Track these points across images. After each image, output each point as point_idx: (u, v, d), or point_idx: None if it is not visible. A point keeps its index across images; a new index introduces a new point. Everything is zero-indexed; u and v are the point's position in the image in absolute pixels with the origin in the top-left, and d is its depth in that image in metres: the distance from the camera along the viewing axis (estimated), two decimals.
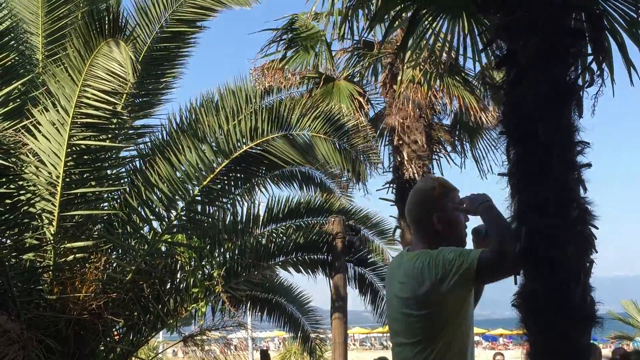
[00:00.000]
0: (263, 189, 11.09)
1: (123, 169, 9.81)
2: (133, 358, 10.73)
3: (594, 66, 4.53)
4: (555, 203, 3.90)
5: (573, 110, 4.17)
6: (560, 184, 3.95)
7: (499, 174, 4.29)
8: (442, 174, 13.17)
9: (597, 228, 4.02)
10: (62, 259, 8.52)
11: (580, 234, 3.92)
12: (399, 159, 12.29)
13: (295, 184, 11.92)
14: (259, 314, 13.43)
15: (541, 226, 3.82)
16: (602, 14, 4.87)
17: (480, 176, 13.55)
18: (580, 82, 4.39)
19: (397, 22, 6.29)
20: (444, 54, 7.60)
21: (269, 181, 11.21)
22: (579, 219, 3.95)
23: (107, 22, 7.88)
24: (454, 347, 3.48)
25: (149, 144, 10.31)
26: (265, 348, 12.62)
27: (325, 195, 12.78)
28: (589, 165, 4.12)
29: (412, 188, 3.85)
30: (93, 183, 8.75)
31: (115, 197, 9.62)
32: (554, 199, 3.90)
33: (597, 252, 3.95)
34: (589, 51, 4.55)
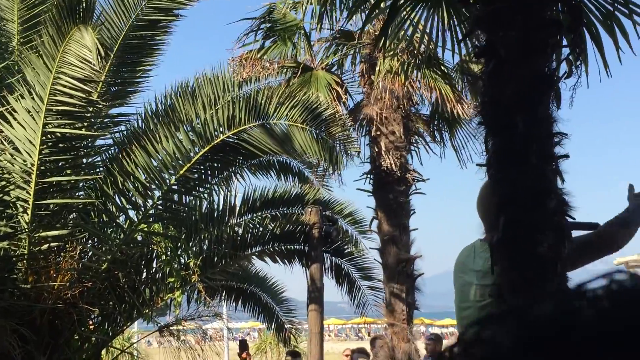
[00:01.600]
0: (240, 178, 11.03)
1: (99, 158, 9.73)
2: (108, 348, 10.68)
3: (571, 58, 4.56)
4: (533, 193, 3.92)
5: (551, 101, 4.19)
6: (538, 175, 3.97)
7: (477, 165, 4.30)
8: (420, 164, 13.21)
9: (574, 219, 4.04)
10: (37, 248, 8.45)
11: (557, 225, 3.94)
12: (376, 150, 12.29)
13: (272, 173, 11.86)
14: (234, 303, 13.39)
15: (519, 216, 3.84)
16: (580, 5, 4.89)
17: (460, 165, 13.59)
18: (558, 73, 4.42)
19: (375, 12, 6.28)
20: (422, 45, 7.61)
21: (247, 170, 11.15)
22: (556, 210, 3.97)
23: (78, 7, 7.79)
24: None
25: (125, 132, 10.22)
26: (243, 339, 12.59)
27: (303, 185, 12.76)
28: (566, 156, 4.14)
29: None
30: (68, 171, 8.67)
31: (91, 185, 9.55)
32: (532, 189, 3.92)
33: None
34: (565, 43, 4.57)
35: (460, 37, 5.94)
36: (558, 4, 4.61)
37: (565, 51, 4.62)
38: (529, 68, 4.12)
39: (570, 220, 3.93)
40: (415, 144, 13.22)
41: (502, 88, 4.12)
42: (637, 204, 3.93)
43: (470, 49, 6.17)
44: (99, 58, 7.98)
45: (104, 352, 10.67)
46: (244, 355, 12.62)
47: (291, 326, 13.96)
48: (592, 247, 3.87)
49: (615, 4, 4.93)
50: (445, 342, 13.41)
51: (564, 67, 4.68)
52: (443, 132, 13.49)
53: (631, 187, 4.07)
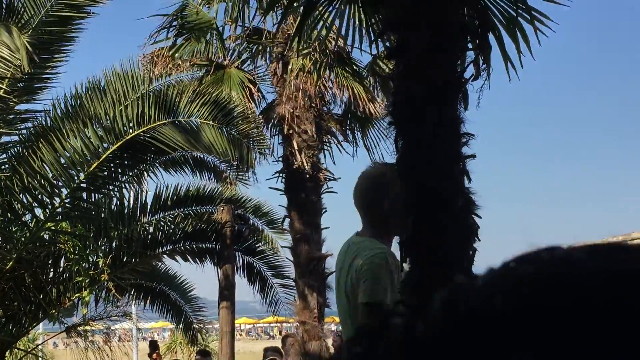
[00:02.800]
0: (152, 175, 10.90)
1: (4, 155, 9.49)
2: (12, 349, 10.42)
3: (480, 60, 4.67)
4: (441, 192, 4.00)
5: (459, 102, 4.29)
6: (446, 174, 4.05)
7: (374, 163, 4.36)
8: (333, 164, 13.28)
9: (480, 217, 4.15)
10: None
11: (464, 223, 4.03)
12: (289, 149, 12.31)
13: (187, 169, 11.71)
14: (143, 302, 13.23)
15: (427, 215, 3.91)
16: (486, 9, 5.02)
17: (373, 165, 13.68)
18: (465, 75, 4.52)
19: (290, 10, 6.31)
20: (334, 44, 7.69)
21: (159, 167, 11.02)
22: (463, 208, 4.06)
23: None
24: None
25: (32, 129, 9.98)
26: (154, 339, 12.42)
27: (219, 181, 12.67)
28: (473, 156, 4.24)
29: (363, 174, 3.86)
30: None
31: None
32: (440, 188, 4.00)
33: (480, 240, 4.07)
34: (470, 46, 4.68)
35: (372, 37, 6.01)
36: (464, 8, 4.72)
37: (472, 54, 4.72)
38: (437, 70, 4.20)
39: None
40: (327, 143, 13.30)
41: (411, 89, 4.19)
42: None
43: (382, 49, 6.26)
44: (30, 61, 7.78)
45: (7, 353, 10.41)
46: (154, 355, 12.48)
47: (200, 325, 13.88)
48: None
49: (518, 10, 5.08)
50: None
51: (471, 69, 4.79)
52: (355, 131, 13.60)
53: None
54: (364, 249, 3.52)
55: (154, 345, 13.49)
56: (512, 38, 5.13)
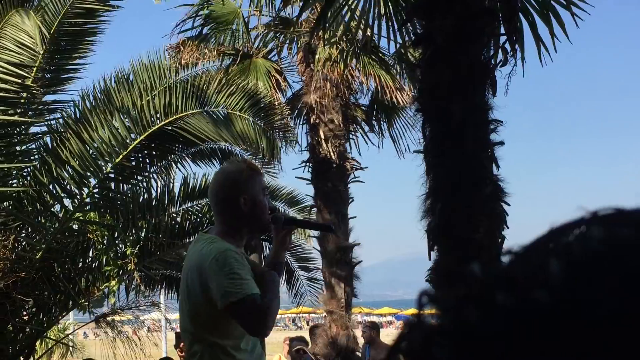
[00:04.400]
0: (181, 167, 10.93)
1: (33, 145, 9.55)
2: (43, 338, 10.51)
3: (507, 46, 4.62)
4: (469, 180, 3.97)
5: (487, 89, 4.25)
6: (474, 161, 4.02)
7: (414, 151, 4.34)
8: (359, 154, 13.26)
9: (509, 205, 4.11)
10: None
11: (492, 210, 4.00)
12: (315, 138, 12.30)
13: (215, 161, 11.75)
14: (175, 294, 13.27)
15: (455, 202, 3.88)
16: None
17: (398, 155, 13.67)
18: (494, 61, 4.47)
19: None
20: (360, 32, 7.63)
21: (187, 158, 11.05)
22: (492, 196, 4.03)
23: None
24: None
25: (60, 120, 10.04)
26: (179, 331, 12.43)
27: None
28: (501, 143, 4.20)
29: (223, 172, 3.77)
30: (1, 159, 8.50)
31: (25, 173, 9.37)
32: (468, 175, 3.97)
33: (508, 228, 4.04)
34: (503, 31, 4.63)
35: (397, 25, 5.98)
36: None
37: (502, 40, 4.67)
38: (465, 56, 4.17)
39: (301, 219, 3.84)
40: (354, 133, 13.28)
41: (438, 76, 4.16)
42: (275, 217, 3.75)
43: (407, 38, 6.21)
44: (44, 43, 7.83)
45: (38, 342, 10.51)
46: (180, 347, 12.46)
47: None
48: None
49: None
50: (383, 331, 13.52)
51: (500, 55, 4.73)
52: (381, 121, 13.57)
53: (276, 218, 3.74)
54: (209, 249, 3.42)
55: (179, 337, 13.48)
56: (545, 22, 5.05)
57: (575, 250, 0.42)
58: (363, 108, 13.45)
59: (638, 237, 0.42)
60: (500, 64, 4.46)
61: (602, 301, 0.39)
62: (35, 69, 8.76)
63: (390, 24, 6.12)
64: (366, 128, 13.49)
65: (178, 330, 11.92)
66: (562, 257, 0.42)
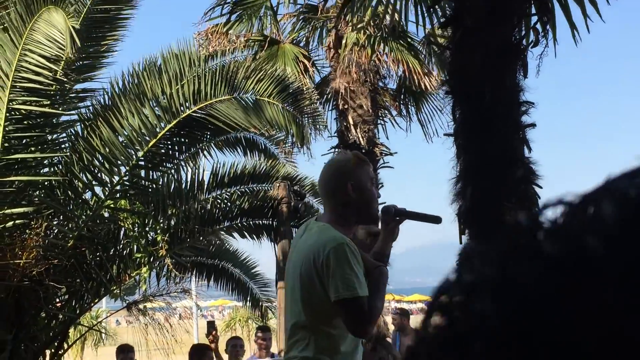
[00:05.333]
0: (207, 155, 10.98)
1: (64, 134, 9.62)
2: (76, 325, 10.61)
3: (539, 27, 4.56)
4: (500, 162, 3.93)
5: (518, 70, 4.20)
6: (505, 144, 3.98)
7: (445, 134, 4.30)
8: (387, 138, 13.21)
9: (540, 187, 4.06)
10: (2, 225, 8.35)
11: (524, 193, 3.96)
12: (344, 124, 12.27)
13: (239, 150, 11.82)
14: (206, 280, 13.33)
15: (486, 185, 3.84)
16: None
17: (426, 140, 13.61)
18: (525, 42, 4.42)
19: None
20: (387, 17, 7.59)
21: (214, 147, 11.10)
22: (523, 178, 3.98)
23: None
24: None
25: (90, 108, 10.11)
26: (211, 320, 12.45)
27: (269, 161, 12.71)
28: (533, 125, 4.15)
29: (327, 163, 3.79)
30: (33, 149, 8.57)
31: (56, 162, 9.44)
32: (499, 158, 3.93)
33: None
34: (534, 11, 4.56)
35: (425, 8, 5.92)
36: None
37: (533, 20, 4.61)
38: (495, 37, 4.12)
39: (411, 210, 3.80)
40: (382, 118, 13.23)
41: (469, 57, 4.11)
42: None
43: (436, 21, 6.15)
44: (73, 45, 7.91)
45: (71, 329, 10.61)
46: (212, 336, 12.50)
47: (268, 302, 13.93)
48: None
49: None
50: (413, 318, 13.51)
51: (531, 36, 4.67)
52: (410, 106, 13.51)
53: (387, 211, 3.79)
54: (323, 236, 3.43)
55: (211, 326, 13.50)
56: (577, 2, 4.96)
57: (633, 194, 0.40)
58: (391, 93, 13.39)
59: None
60: (531, 45, 4.40)
61: None
62: (64, 60, 8.81)
63: (418, 7, 6.07)
64: (394, 112, 13.44)
65: (208, 319, 11.99)
66: (617, 202, 0.39)
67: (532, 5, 4.48)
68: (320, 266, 3.35)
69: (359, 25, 8.99)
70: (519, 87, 4.12)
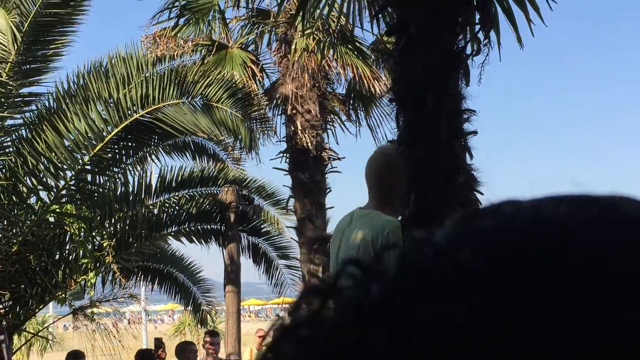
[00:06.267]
0: (155, 159, 10.93)
1: (8, 138, 9.49)
2: (20, 332, 10.46)
3: (481, 35, 4.63)
4: (443, 169, 3.98)
5: (460, 78, 4.26)
6: (447, 151, 4.03)
7: (389, 141, 4.34)
8: (337, 143, 13.26)
9: (482, 194, 4.13)
10: None
11: (466, 199, 4.02)
12: (292, 129, 12.29)
13: (188, 154, 11.80)
14: (151, 285, 13.25)
15: (429, 192, 3.89)
16: None
17: (376, 144, 13.68)
18: (468, 50, 4.49)
19: None
20: (337, 22, 7.67)
21: (162, 151, 11.05)
22: (466, 185, 4.04)
23: None
24: None
25: (35, 112, 9.98)
26: (158, 337, 12.27)
27: (218, 166, 12.69)
28: (475, 132, 4.21)
29: (372, 156, 3.86)
30: None
31: (0, 166, 9.31)
32: (442, 165, 3.98)
33: None
34: (477, 20, 4.63)
35: (370, 16, 5.98)
36: None
37: (475, 29, 4.68)
38: (438, 45, 4.17)
39: None
40: (331, 123, 13.28)
41: (412, 65, 4.16)
42: None
43: (383, 27, 6.21)
44: (14, 40, 7.80)
45: (15, 336, 10.46)
46: (159, 352, 12.33)
47: (209, 307, 13.90)
48: None
49: None
50: None
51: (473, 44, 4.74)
52: (359, 110, 13.57)
53: None
54: (378, 219, 3.52)
55: (159, 342, 13.19)
56: (521, 9, 5.04)
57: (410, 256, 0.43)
58: (340, 98, 13.45)
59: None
60: (473, 54, 4.47)
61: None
62: (9, 64, 8.69)
63: (366, 13, 6.13)
64: (343, 117, 13.51)
65: (155, 337, 11.88)
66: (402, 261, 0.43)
67: (475, 14, 4.55)
68: (379, 246, 3.40)
69: (307, 31, 9.02)
70: (461, 95, 4.18)
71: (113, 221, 10.58)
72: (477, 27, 4.64)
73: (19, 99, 9.85)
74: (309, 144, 12.08)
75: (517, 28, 5.22)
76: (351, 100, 13.50)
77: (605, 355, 0.38)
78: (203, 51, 12.55)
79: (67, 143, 9.14)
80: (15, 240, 8.90)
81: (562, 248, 0.40)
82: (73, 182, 9.23)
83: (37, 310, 10.50)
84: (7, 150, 9.22)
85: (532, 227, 0.42)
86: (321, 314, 0.42)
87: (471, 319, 0.38)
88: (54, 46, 10.05)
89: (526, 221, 0.43)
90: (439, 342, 0.39)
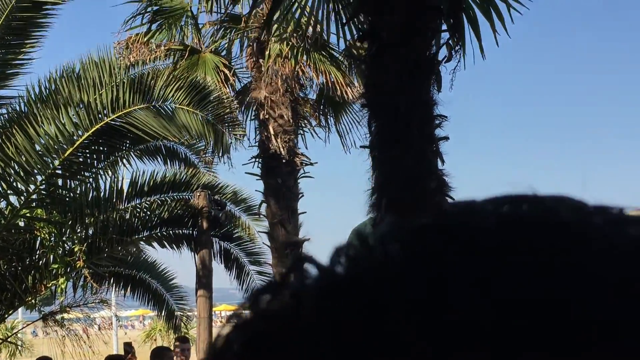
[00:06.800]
0: (127, 164, 10.87)
1: None
2: None
3: (451, 42, 4.68)
4: (414, 174, 4.02)
5: (432, 84, 4.30)
6: (419, 156, 4.07)
7: (361, 147, 4.37)
8: (306, 148, 13.28)
9: (453, 199, 4.17)
10: None
11: (438, 205, 4.05)
12: (265, 134, 12.29)
13: (159, 159, 11.76)
14: (123, 291, 13.17)
15: (401, 196, 3.93)
16: None
17: (345, 150, 13.74)
18: (440, 57, 4.53)
19: None
20: (310, 28, 7.69)
21: (133, 155, 11.00)
22: (437, 190, 4.08)
23: None
24: None
25: (6, 115, 9.91)
26: (128, 342, 12.20)
27: (190, 170, 12.65)
28: (446, 138, 4.25)
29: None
30: None
31: None
32: (413, 170, 4.02)
33: None
34: (445, 27, 4.68)
35: (341, 23, 6.01)
36: None
37: (445, 36, 4.73)
38: (410, 52, 4.21)
39: None
40: (303, 128, 13.29)
41: (384, 71, 4.19)
42: None
43: (355, 34, 6.25)
44: None
45: None
46: (129, 357, 12.24)
47: (182, 313, 13.85)
48: None
49: None
50: None
51: (444, 51, 4.79)
52: (329, 116, 13.61)
53: None
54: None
55: (128, 347, 13.08)
56: (486, 17, 5.12)
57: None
58: (311, 103, 13.48)
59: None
60: (444, 60, 4.52)
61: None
62: None
63: (339, 20, 6.15)
64: (313, 123, 13.53)
65: (125, 342, 11.80)
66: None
67: (445, 22, 4.60)
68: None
69: (283, 36, 9.04)
70: (432, 101, 4.22)
71: (84, 226, 10.52)
72: (448, 34, 4.69)
73: None
74: (282, 149, 12.08)
75: (481, 37, 5.29)
76: (321, 106, 13.54)
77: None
78: (176, 56, 12.52)
79: (37, 147, 9.08)
80: None
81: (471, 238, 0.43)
82: (43, 186, 9.16)
83: (6, 316, 10.40)
84: None
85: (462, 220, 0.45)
86: (268, 307, 0.44)
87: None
88: (23, 50, 9.98)
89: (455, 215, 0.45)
90: (373, 328, 0.41)
